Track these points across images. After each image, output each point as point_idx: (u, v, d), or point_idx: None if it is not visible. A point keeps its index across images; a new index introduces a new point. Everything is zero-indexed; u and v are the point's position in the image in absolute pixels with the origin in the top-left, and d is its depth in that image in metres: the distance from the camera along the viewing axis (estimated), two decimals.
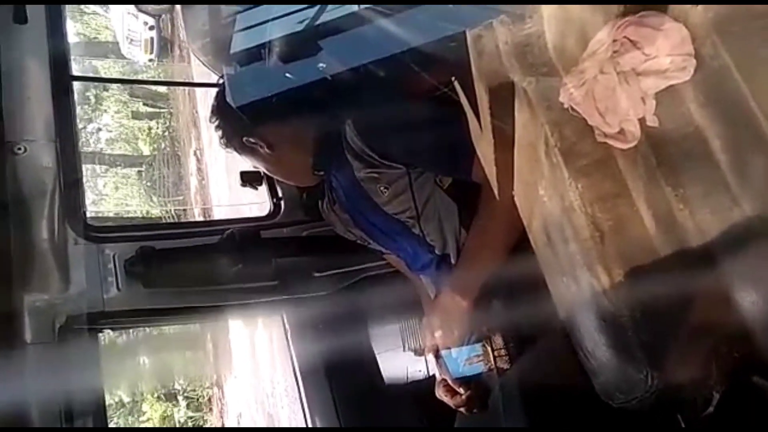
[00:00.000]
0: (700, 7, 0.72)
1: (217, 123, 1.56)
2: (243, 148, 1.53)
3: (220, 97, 1.53)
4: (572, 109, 0.92)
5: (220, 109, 1.53)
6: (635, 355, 0.86)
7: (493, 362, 1.41)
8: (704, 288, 0.72)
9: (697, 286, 0.74)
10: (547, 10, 0.96)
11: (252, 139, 1.49)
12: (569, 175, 0.92)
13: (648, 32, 0.79)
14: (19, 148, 1.49)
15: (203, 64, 1.64)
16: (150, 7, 9.03)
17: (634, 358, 0.86)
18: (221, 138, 1.56)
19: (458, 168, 1.37)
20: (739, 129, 0.69)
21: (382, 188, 1.43)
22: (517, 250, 1.30)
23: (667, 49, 0.77)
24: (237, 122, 1.48)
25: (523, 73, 1.00)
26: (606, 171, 0.89)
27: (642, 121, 0.82)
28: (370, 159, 1.40)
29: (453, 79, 1.22)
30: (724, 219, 0.73)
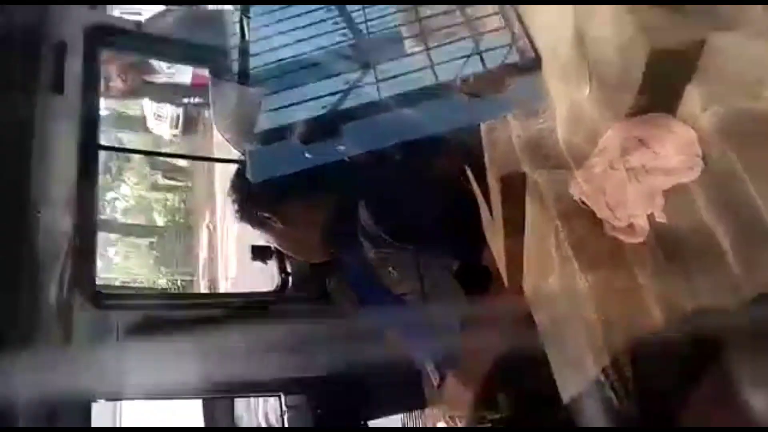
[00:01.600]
0: (707, 112, 0.75)
1: (233, 197, 1.60)
2: (256, 222, 1.56)
3: (239, 172, 1.58)
4: (582, 202, 0.93)
5: (238, 184, 1.58)
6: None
7: None
8: (716, 389, 0.71)
9: (708, 386, 0.73)
10: (559, 107, 1.01)
11: (266, 214, 1.52)
12: (579, 267, 0.92)
13: (657, 132, 0.82)
14: (39, 211, 1.52)
15: (227, 141, 1.70)
16: None
17: None
18: (236, 211, 1.60)
19: (468, 252, 1.38)
20: (747, 229, 0.70)
21: (390, 269, 1.44)
22: (526, 341, 1.28)
23: (675, 149, 0.79)
24: (252, 196, 1.52)
25: (535, 166, 1.03)
26: (616, 264, 0.89)
27: (651, 216, 0.83)
28: (381, 239, 1.41)
29: (466, 167, 1.25)
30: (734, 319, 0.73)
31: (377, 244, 1.42)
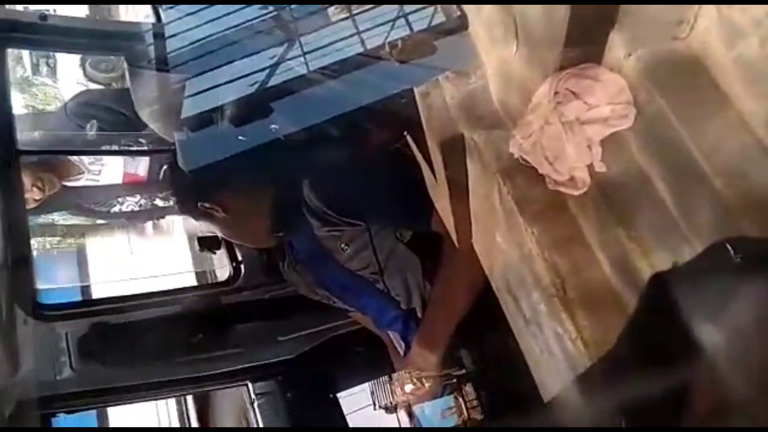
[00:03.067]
0: (631, 57, 0.75)
1: (171, 189, 1.54)
2: (199, 214, 1.50)
3: (172, 163, 1.51)
4: (522, 159, 0.94)
5: (173, 175, 1.51)
6: (606, 400, 0.86)
7: (466, 414, 1.39)
8: (664, 330, 0.73)
9: (657, 328, 0.75)
10: (489, 65, 1.00)
11: (207, 204, 1.46)
12: (524, 221, 0.93)
13: (587, 83, 0.82)
14: None
15: (155, 130, 1.63)
16: (100, 76, 8.99)
17: (605, 403, 0.86)
18: (176, 204, 1.54)
19: (417, 220, 1.38)
20: (680, 170, 0.71)
21: (342, 246, 1.43)
22: (483, 297, 1.30)
23: (606, 98, 0.80)
24: (190, 187, 1.46)
25: (472, 126, 1.02)
26: (560, 216, 0.91)
27: (590, 167, 0.84)
28: (329, 217, 1.39)
29: (405, 133, 1.24)
30: (676, 256, 0.75)
31: (325, 222, 1.40)
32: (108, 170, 2.56)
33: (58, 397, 1.51)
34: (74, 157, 2.47)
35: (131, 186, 2.73)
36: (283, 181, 1.44)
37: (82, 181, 2.55)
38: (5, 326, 1.45)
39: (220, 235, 1.63)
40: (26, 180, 1.75)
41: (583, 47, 0.79)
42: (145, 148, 2.10)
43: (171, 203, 2.39)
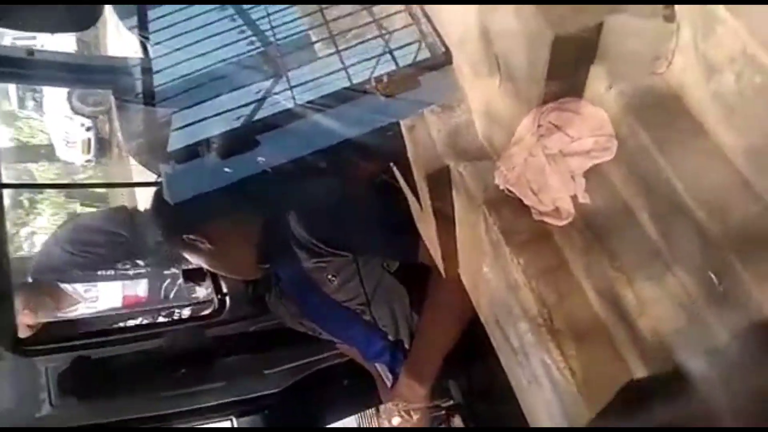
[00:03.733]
0: (612, 90, 0.77)
1: (156, 222, 1.53)
2: (184, 246, 1.49)
3: (157, 197, 1.50)
4: (507, 190, 0.95)
5: (158, 209, 1.50)
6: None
7: None
8: (652, 360, 0.73)
9: (645, 358, 0.75)
10: (473, 100, 1.02)
11: (192, 236, 1.46)
12: (510, 251, 0.94)
13: (569, 116, 0.84)
14: None
15: (139, 163, 1.63)
16: (87, 109, 9.00)
17: None
18: (161, 236, 1.53)
19: (404, 251, 1.38)
20: (662, 200, 0.73)
21: (329, 277, 1.42)
22: (471, 328, 1.30)
23: (588, 131, 0.81)
24: (177, 219, 1.46)
25: (457, 158, 1.03)
26: (545, 246, 0.91)
27: (574, 198, 0.85)
28: (316, 248, 1.39)
29: (392, 165, 1.25)
30: (661, 286, 0.76)
31: (312, 253, 1.40)
32: (106, 294, 2.48)
33: None
34: (68, 287, 2.40)
35: (131, 308, 2.66)
36: (269, 212, 1.43)
37: (78, 311, 2.47)
38: None
39: (205, 267, 1.61)
40: (18, 302, 1.72)
41: (565, 81, 0.81)
42: (143, 271, 2.11)
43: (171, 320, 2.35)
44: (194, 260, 1.54)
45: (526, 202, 0.92)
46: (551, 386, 0.91)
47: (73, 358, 1.54)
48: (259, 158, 1.42)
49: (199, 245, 1.47)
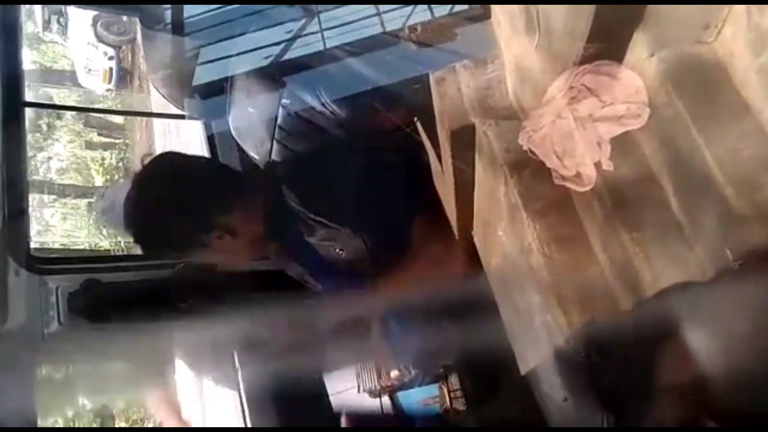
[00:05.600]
0: (654, 58, 0.75)
1: (166, 228, 1.32)
2: (204, 246, 1.35)
3: (168, 198, 1.31)
4: (531, 151, 0.94)
5: (174, 210, 1.31)
6: (591, 397, 0.86)
7: (449, 403, 1.40)
8: (660, 332, 0.73)
9: (652, 329, 0.75)
10: (507, 56, 1.00)
11: (217, 232, 1.32)
12: (527, 216, 0.93)
13: (604, 80, 0.82)
14: None
15: (163, 96, 1.62)
16: (111, 37, 8.93)
17: (590, 400, 0.87)
18: (175, 243, 1.37)
19: (394, 231, 1.35)
20: (691, 175, 0.71)
21: (337, 251, 1.36)
22: (475, 290, 1.30)
23: (622, 97, 0.80)
24: (199, 218, 1.32)
25: (484, 116, 1.02)
26: (563, 213, 0.91)
27: (598, 165, 0.84)
28: (314, 222, 1.33)
29: (415, 119, 1.23)
30: (678, 263, 0.75)
31: (312, 229, 1.34)
32: None
33: (44, 349, 1.51)
34: None
35: None
36: (272, 187, 1.36)
37: None
38: None
39: (220, 263, 1.51)
40: None
41: (605, 44, 0.79)
42: None
43: None
44: (209, 259, 1.45)
45: (548, 164, 0.90)
46: (550, 348, 0.92)
47: (84, 279, 1.57)
48: (284, 101, 1.40)
49: (222, 240, 1.34)
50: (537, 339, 0.99)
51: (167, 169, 1.34)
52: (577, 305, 0.87)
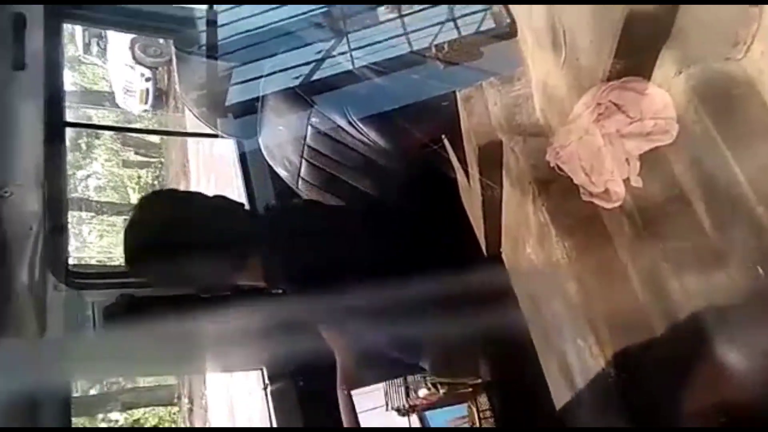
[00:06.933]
0: (682, 75, 0.75)
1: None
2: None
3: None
4: (558, 168, 0.94)
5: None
6: (620, 416, 0.85)
7: (478, 423, 1.38)
8: (691, 350, 0.72)
9: (684, 348, 0.74)
10: (534, 73, 1.00)
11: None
12: (556, 233, 0.93)
13: (632, 96, 0.81)
14: (6, 191, 1.47)
15: (196, 116, 1.66)
16: (148, 59, 9.20)
17: (620, 420, 0.85)
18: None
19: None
20: (722, 193, 0.70)
21: None
22: (504, 307, 1.29)
23: (650, 113, 0.79)
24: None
25: (511, 133, 1.02)
26: (592, 229, 0.90)
27: (627, 181, 0.83)
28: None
29: (443, 137, 1.24)
30: (709, 280, 0.74)
31: None
32: None
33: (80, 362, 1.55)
34: None
35: None
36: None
37: None
38: (37, 290, 1.49)
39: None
40: None
41: (632, 60, 0.79)
42: None
43: None
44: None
45: (576, 181, 0.90)
46: (581, 369, 0.91)
47: (119, 294, 1.61)
48: (313, 119, 1.43)
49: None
50: (566, 356, 0.98)
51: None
52: (606, 322, 0.86)
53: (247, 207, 1.45)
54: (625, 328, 0.82)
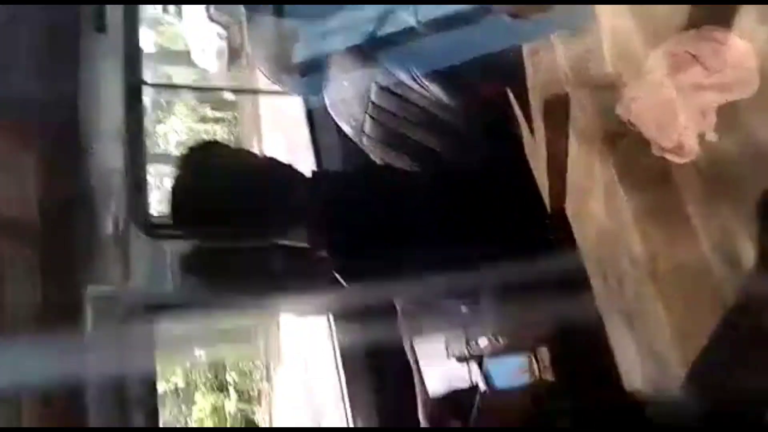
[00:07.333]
0: (765, 26, 0.69)
1: None
2: None
3: None
4: (629, 122, 0.90)
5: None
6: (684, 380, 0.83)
7: (538, 374, 1.39)
8: (759, 318, 0.69)
9: (751, 315, 0.71)
10: (605, 23, 0.95)
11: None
12: (623, 189, 0.90)
13: (710, 47, 0.77)
14: (92, 149, 1.57)
15: (264, 74, 1.69)
16: (223, 18, 9.37)
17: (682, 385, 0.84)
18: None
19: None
20: None
21: None
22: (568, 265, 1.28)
23: (729, 64, 0.74)
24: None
25: (580, 86, 0.99)
26: (662, 187, 0.87)
27: (701, 136, 0.80)
28: None
29: (508, 91, 1.22)
30: None
31: None
32: None
33: (161, 307, 1.66)
34: None
35: None
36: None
37: None
38: (121, 240, 1.60)
39: None
40: None
41: (712, 9, 0.74)
42: None
43: None
44: None
45: (646, 135, 0.86)
46: (644, 328, 0.89)
47: (197, 245, 1.70)
48: (378, 76, 1.43)
49: None
50: (630, 319, 0.96)
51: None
52: (673, 282, 0.84)
53: (295, 168, 1.50)
54: (690, 290, 0.80)
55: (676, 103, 0.81)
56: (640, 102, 0.87)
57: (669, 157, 0.84)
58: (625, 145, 0.91)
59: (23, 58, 1.34)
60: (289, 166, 1.46)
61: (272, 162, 1.45)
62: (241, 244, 1.49)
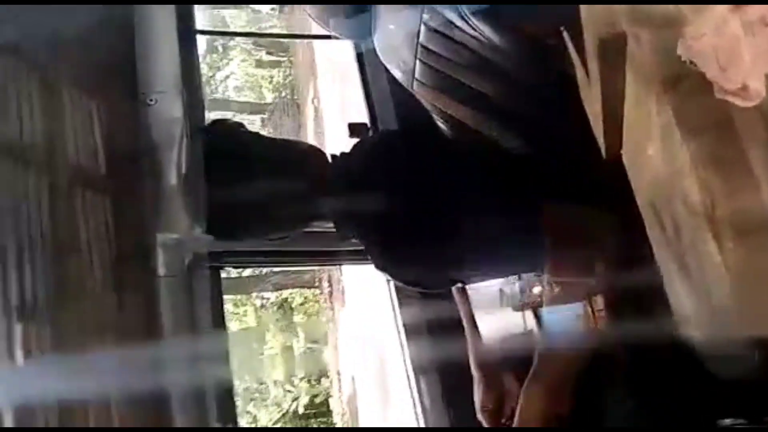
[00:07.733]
0: None
1: None
2: None
3: None
4: (690, 62, 0.85)
5: None
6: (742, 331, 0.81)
7: (593, 322, 1.38)
8: None
9: None
10: None
11: None
12: (681, 134, 0.87)
13: None
14: (151, 100, 1.61)
15: (310, 16, 1.68)
16: None
17: (741, 334, 0.82)
18: None
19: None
20: None
21: None
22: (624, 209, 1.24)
23: None
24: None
25: (638, 24, 0.94)
26: (722, 132, 0.83)
27: None
28: None
29: (562, 29, 1.16)
30: None
31: None
32: None
33: (227, 254, 1.74)
34: None
35: None
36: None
37: None
38: (183, 189, 1.67)
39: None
40: None
41: None
42: None
43: None
44: None
45: (709, 76, 0.82)
46: (700, 276, 0.87)
47: None
48: (425, 16, 1.39)
49: None
50: (686, 266, 0.94)
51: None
52: (731, 232, 0.81)
53: (324, 152, 1.51)
54: (749, 239, 0.77)
55: (741, 42, 0.76)
56: (702, 40, 0.82)
57: (732, 99, 0.80)
58: (686, 87, 0.87)
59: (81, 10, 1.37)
60: (317, 149, 1.50)
61: (287, 153, 1.49)
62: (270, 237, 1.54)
